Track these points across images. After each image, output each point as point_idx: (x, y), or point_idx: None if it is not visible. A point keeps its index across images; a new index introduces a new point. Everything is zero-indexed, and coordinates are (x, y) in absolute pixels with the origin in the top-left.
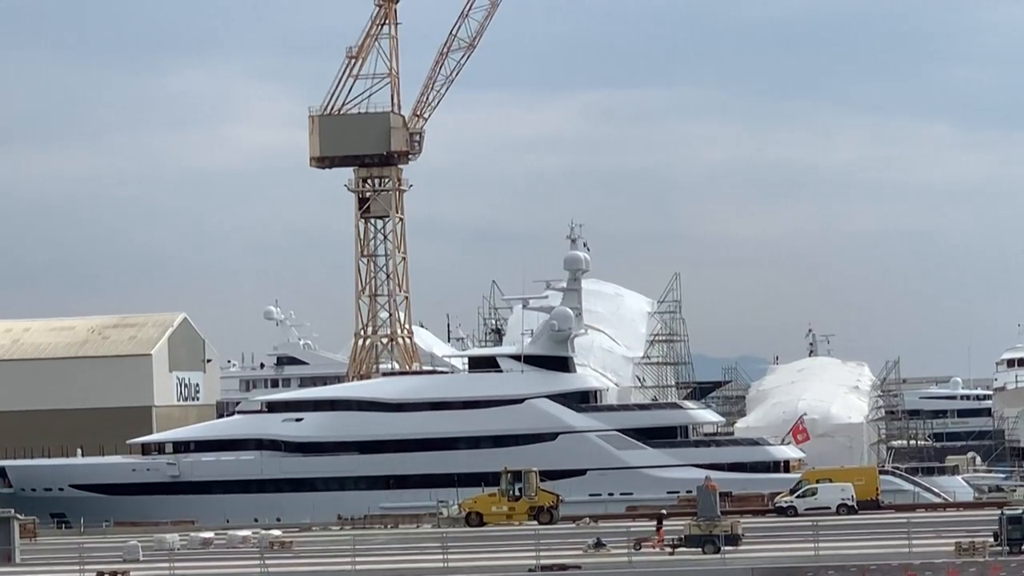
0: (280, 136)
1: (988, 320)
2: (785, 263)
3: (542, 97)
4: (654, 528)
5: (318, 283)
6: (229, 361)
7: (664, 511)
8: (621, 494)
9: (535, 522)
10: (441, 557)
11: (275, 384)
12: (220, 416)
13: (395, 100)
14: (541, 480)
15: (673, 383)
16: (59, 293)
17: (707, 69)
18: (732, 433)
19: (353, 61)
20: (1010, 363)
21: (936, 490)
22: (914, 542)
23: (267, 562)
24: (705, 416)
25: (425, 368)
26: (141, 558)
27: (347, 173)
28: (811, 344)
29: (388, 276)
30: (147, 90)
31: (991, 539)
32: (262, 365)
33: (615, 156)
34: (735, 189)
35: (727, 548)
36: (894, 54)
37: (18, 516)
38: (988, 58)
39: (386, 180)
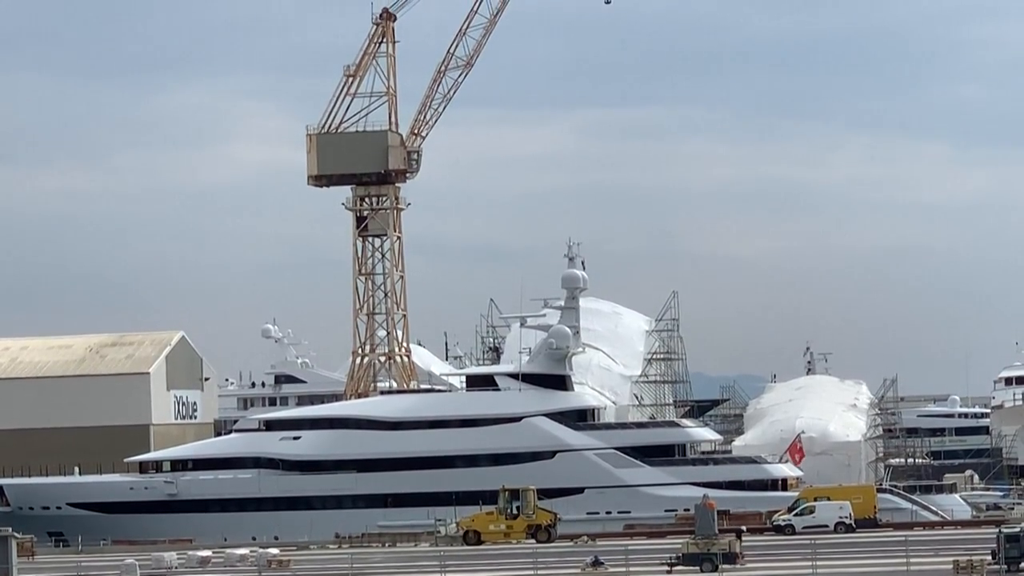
0: (278, 154)
1: (986, 338)
2: (783, 281)
3: (540, 115)
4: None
5: (316, 301)
6: (227, 379)
7: (744, 527)
8: (619, 512)
9: (533, 540)
10: (439, 575)
11: (273, 402)
12: (218, 434)
13: (393, 118)
14: (539, 498)
15: (671, 401)
16: (57, 311)
17: (705, 88)
18: (730, 451)
19: (351, 79)
20: (1008, 381)
21: (934, 508)
22: (912, 560)
23: None
24: (703, 434)
25: (423, 386)
26: None
27: (345, 191)
28: (809, 362)
29: (386, 294)
30: (146, 109)
31: (989, 557)
32: (253, 384)
33: (613, 174)
34: (733, 207)
35: (725, 566)
36: (891, 73)
37: (16, 535)
38: (985, 77)
39: (384, 198)
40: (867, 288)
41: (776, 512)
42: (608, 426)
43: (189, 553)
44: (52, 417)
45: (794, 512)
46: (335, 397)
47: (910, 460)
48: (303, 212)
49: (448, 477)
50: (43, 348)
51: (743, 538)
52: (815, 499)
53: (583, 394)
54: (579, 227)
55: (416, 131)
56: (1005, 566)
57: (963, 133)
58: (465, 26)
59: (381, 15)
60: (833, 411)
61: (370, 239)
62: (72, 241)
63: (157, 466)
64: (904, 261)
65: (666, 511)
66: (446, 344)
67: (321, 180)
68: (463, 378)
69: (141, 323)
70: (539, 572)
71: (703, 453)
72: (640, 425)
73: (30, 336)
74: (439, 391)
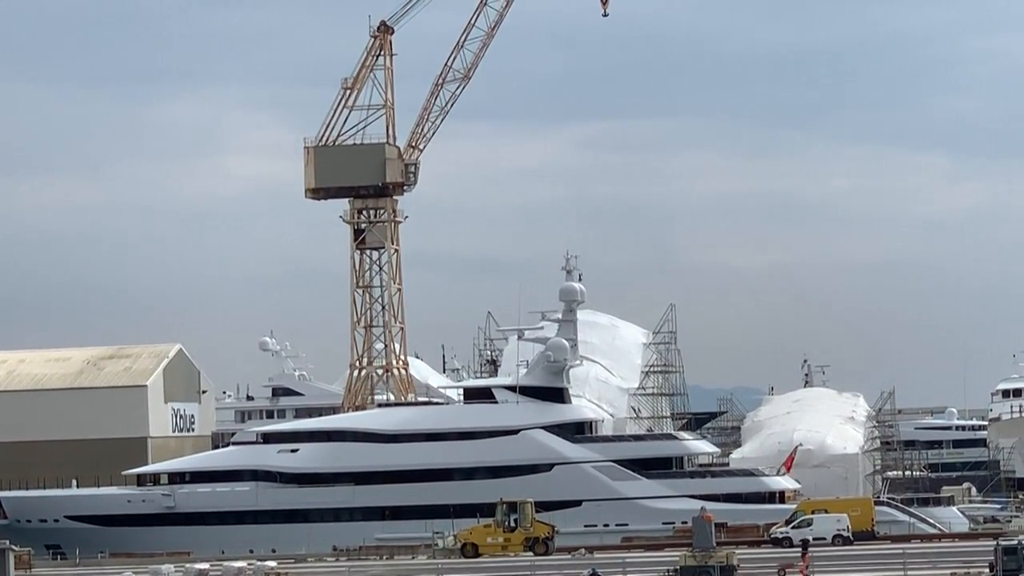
0: (275, 167)
1: (983, 350)
2: (780, 293)
3: (537, 128)
4: (799, 555)
5: (313, 314)
6: (224, 392)
7: (810, 538)
8: (617, 525)
9: (531, 553)
10: None
11: (270, 415)
12: (215, 447)
13: (390, 131)
14: (537, 511)
15: (668, 414)
16: (54, 324)
17: (703, 100)
18: (727, 464)
19: (348, 92)
20: (1005, 393)
21: (932, 521)
22: (910, 573)
23: None
24: (700, 447)
25: (420, 399)
26: None
27: (342, 204)
28: (806, 375)
29: (383, 307)
30: (143, 121)
31: (986, 570)
32: (251, 397)
33: (610, 187)
34: (730, 220)
35: None
36: (889, 85)
37: (13, 547)
38: (982, 89)
39: (381, 211)
40: (865, 300)
41: (774, 525)
42: (606, 439)
43: (187, 566)
44: (50, 430)
45: (792, 525)
46: (333, 410)
47: (908, 472)
48: (301, 225)
49: (446, 490)
50: (41, 361)
51: (810, 550)
52: (813, 512)
53: (581, 407)
54: (577, 240)
55: (414, 144)
56: None
57: (961, 145)
58: (462, 39)
59: (379, 28)
60: (831, 423)
61: (368, 252)
62: (70, 253)
63: (155, 479)
64: (902, 273)
65: (664, 524)
66: (443, 357)
67: (319, 193)
68: (461, 391)
69: (139, 336)
70: None
71: (701, 466)
72: (638, 438)
73: (28, 349)
74: (437, 404)
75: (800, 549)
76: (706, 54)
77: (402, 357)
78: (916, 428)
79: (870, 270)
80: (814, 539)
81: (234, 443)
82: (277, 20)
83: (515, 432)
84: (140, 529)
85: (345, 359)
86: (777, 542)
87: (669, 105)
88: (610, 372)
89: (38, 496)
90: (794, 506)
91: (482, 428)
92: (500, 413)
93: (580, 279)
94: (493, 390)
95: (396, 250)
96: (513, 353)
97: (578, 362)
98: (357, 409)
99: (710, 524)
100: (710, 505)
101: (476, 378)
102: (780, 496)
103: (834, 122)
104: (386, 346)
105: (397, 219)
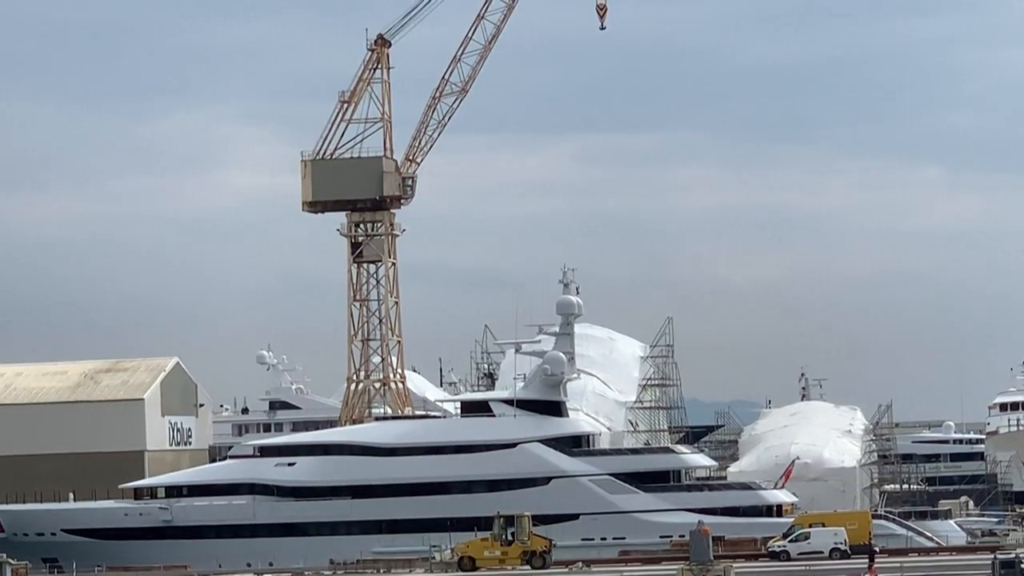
0: (272, 180)
1: (981, 364)
2: (777, 307)
3: (534, 141)
4: (866, 565)
5: (310, 328)
6: (222, 406)
7: (877, 548)
8: (614, 539)
9: (528, 567)
10: None
11: (267, 429)
12: (212, 461)
13: (388, 144)
14: (534, 524)
15: (666, 427)
16: (51, 338)
17: (699, 113)
18: (725, 477)
19: (346, 105)
20: (1003, 407)
21: (929, 534)
22: None
23: None
24: (698, 460)
25: (418, 413)
26: None
27: (339, 217)
28: (804, 388)
29: (381, 320)
30: (140, 135)
31: None
32: (247, 410)
33: (607, 200)
34: (727, 233)
35: None
36: (886, 98)
37: (10, 560)
38: (978, 102)
39: (379, 224)
40: (861, 314)
41: (771, 538)
42: (603, 452)
43: None
44: (47, 443)
45: (789, 538)
46: (330, 423)
47: (905, 486)
48: (298, 238)
49: (443, 503)
50: (38, 374)
51: (876, 559)
52: (810, 525)
53: (578, 420)
54: (574, 253)
55: (411, 157)
56: None
57: (957, 158)
58: (460, 52)
59: (376, 41)
60: (828, 437)
61: (365, 265)
62: (67, 267)
63: (152, 492)
64: (898, 286)
65: (661, 537)
66: (441, 370)
67: (315, 206)
68: (458, 404)
69: (136, 349)
70: None
71: (698, 479)
72: (635, 451)
73: (24, 362)
74: (434, 417)
75: (867, 559)
76: (703, 67)
77: (399, 370)
78: (913, 441)
79: (867, 283)
80: (811, 553)
81: (231, 456)
82: (274, 34)
83: (512, 446)
84: (137, 543)
85: (342, 372)
86: (775, 556)
87: (667, 118)
88: (607, 385)
89: (35, 509)
90: (792, 519)
91: (479, 442)
92: (497, 427)
93: (577, 292)
94: (490, 404)
95: (393, 263)
96: (510, 366)
97: (575, 375)
98: (354, 422)
99: (707, 537)
100: (707, 518)
101: (473, 391)
102: (778, 510)
103: (831, 135)
104: (383, 359)
105: (394, 232)
